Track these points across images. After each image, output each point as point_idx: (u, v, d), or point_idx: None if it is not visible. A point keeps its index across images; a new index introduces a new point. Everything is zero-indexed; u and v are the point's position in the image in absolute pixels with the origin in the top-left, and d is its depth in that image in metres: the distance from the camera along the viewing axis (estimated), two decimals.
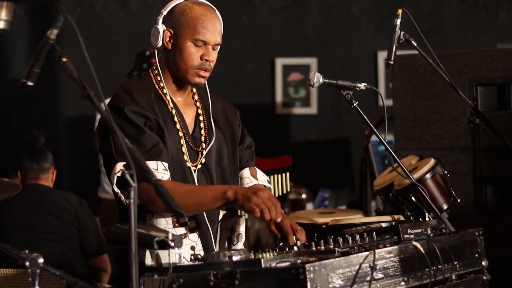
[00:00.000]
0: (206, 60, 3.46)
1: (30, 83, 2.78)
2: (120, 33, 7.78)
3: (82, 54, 2.70)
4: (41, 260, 2.84)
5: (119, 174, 3.28)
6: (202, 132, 3.54)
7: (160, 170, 3.32)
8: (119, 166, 3.29)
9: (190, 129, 3.52)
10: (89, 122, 7.34)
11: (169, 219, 3.43)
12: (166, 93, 3.49)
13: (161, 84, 3.51)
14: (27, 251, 2.87)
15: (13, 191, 4.93)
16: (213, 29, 3.46)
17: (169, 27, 3.48)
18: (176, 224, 3.42)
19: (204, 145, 3.52)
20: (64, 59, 2.74)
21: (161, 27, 3.48)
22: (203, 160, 3.50)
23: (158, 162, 3.34)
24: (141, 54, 6.58)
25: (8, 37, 7.42)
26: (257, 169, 3.76)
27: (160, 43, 3.48)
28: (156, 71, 3.53)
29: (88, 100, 2.69)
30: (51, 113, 7.76)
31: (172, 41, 3.48)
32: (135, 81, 3.54)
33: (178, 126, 3.47)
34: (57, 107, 7.80)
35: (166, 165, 3.36)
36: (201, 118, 3.57)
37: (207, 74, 3.50)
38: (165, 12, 3.50)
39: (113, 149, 3.34)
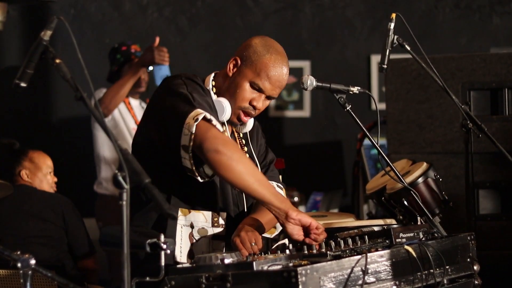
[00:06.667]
0: (254, 106, 3.43)
1: (23, 84, 2.78)
2: (114, 34, 7.76)
3: (75, 55, 2.69)
4: (33, 261, 2.84)
5: (206, 116, 3.16)
6: None
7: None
8: (198, 110, 3.20)
9: None
10: (83, 122, 7.34)
11: (209, 217, 3.38)
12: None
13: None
14: (19, 252, 2.86)
15: (6, 192, 4.91)
16: (275, 82, 3.40)
17: (238, 56, 3.42)
18: (215, 224, 3.38)
19: None
20: (57, 61, 2.74)
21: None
22: None
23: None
24: (111, 51, 6.62)
25: (1, 38, 7.40)
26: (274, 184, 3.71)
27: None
28: (210, 86, 3.45)
29: (81, 101, 2.68)
30: (44, 113, 7.74)
31: (235, 70, 3.42)
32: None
33: None
34: (50, 107, 7.78)
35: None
36: (235, 135, 3.55)
37: (247, 120, 3.48)
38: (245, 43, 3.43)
39: (188, 100, 3.24)
